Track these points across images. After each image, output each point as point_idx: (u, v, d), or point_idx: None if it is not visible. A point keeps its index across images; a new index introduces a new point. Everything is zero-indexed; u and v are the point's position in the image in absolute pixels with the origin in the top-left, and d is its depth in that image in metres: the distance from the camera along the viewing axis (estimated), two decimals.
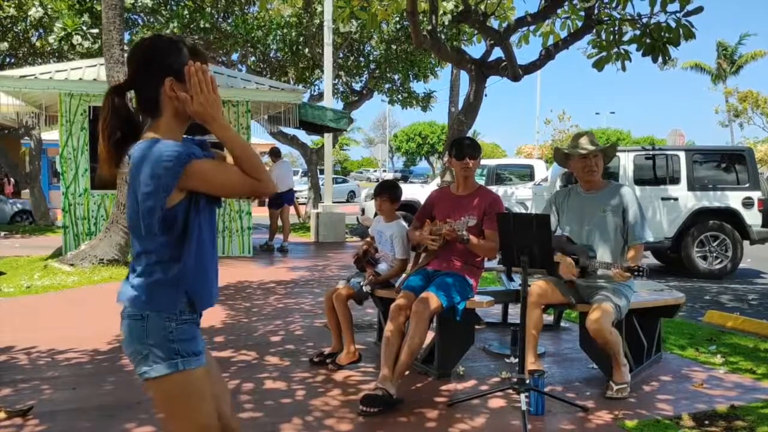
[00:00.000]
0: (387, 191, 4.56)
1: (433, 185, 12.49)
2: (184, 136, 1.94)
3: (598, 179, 4.12)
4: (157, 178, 1.74)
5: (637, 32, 7.60)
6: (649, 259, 10.44)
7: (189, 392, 1.84)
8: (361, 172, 58.61)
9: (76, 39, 13.24)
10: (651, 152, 9.80)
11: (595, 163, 4.07)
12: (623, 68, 7.81)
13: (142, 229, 1.81)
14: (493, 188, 9.27)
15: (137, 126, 1.89)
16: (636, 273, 3.67)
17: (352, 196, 31.01)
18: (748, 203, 9.34)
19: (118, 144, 1.85)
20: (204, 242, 1.87)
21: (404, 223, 4.54)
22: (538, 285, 4.05)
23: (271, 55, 17.02)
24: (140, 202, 1.78)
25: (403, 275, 4.37)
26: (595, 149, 4.05)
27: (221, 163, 1.90)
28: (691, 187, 9.45)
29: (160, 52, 1.87)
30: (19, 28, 14.34)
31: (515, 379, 3.50)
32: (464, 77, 12.88)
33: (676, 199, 9.42)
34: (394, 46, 16.25)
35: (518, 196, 12.69)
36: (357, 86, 18.34)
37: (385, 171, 51.74)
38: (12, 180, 19.68)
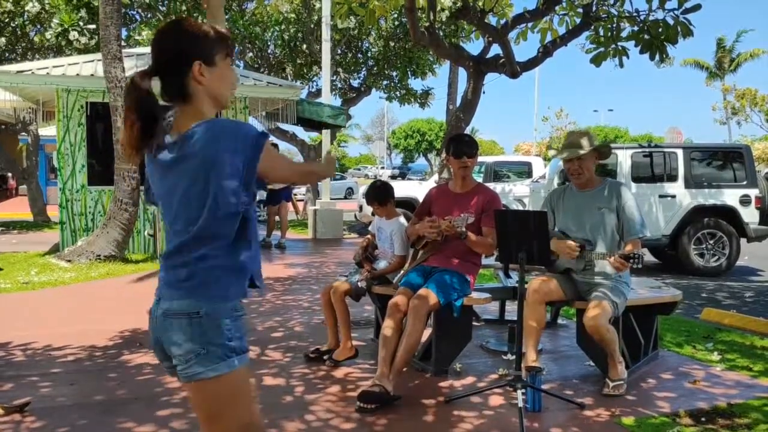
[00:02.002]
0: (374, 199, 4.56)
1: (431, 182, 12.49)
2: None
3: (588, 180, 4.10)
4: (242, 152, 1.74)
5: (635, 29, 7.60)
6: (647, 257, 10.42)
7: (241, 390, 1.81)
8: (359, 169, 58.58)
9: (73, 35, 13.21)
10: (649, 149, 9.81)
11: (579, 166, 4.04)
12: (621, 65, 7.82)
13: (210, 213, 1.74)
14: (491, 185, 9.26)
15: (159, 112, 1.82)
16: (631, 260, 3.68)
17: (350, 192, 31.00)
18: (745, 201, 9.36)
19: (143, 130, 1.77)
20: (253, 221, 1.86)
21: (404, 220, 4.54)
22: (540, 281, 4.05)
23: (269, 51, 17.01)
24: (222, 181, 1.72)
25: (401, 272, 4.37)
26: (571, 154, 4.01)
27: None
28: (689, 184, 9.46)
29: (187, 35, 1.83)
30: (16, 23, 14.29)
31: (512, 377, 3.51)
32: (462, 74, 12.86)
33: (673, 197, 9.44)
34: (392, 43, 16.24)
35: (516, 193, 12.70)
36: (355, 83, 18.33)
37: (383, 168, 51.75)
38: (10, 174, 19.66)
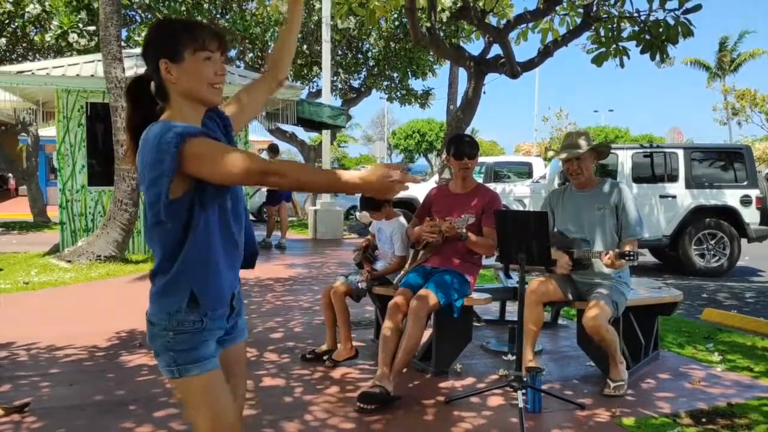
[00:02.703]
0: (367, 206, 4.56)
1: (432, 183, 12.48)
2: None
3: (587, 180, 4.10)
4: (159, 162, 1.66)
5: (636, 29, 7.60)
6: (647, 257, 10.45)
7: (194, 398, 1.84)
8: (359, 170, 58.48)
9: (72, 37, 13.20)
10: (649, 150, 9.81)
11: (578, 166, 4.04)
12: (621, 65, 7.82)
13: (149, 219, 1.75)
14: (492, 185, 9.26)
15: (156, 115, 1.84)
16: (627, 258, 3.67)
17: None
18: (746, 201, 9.35)
19: (138, 133, 1.78)
20: (212, 236, 1.78)
21: (404, 221, 4.53)
22: (539, 282, 4.05)
23: (269, 51, 16.99)
24: (146, 189, 1.71)
25: (401, 272, 4.37)
26: (570, 154, 4.02)
27: (223, 145, 1.77)
28: (689, 184, 9.45)
29: (154, 34, 1.83)
30: (16, 24, 14.29)
31: (513, 377, 3.50)
32: (463, 74, 12.86)
33: (674, 197, 9.43)
34: (392, 44, 16.24)
35: (516, 194, 12.67)
36: (355, 83, 18.33)
37: None
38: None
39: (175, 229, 1.74)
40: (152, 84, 1.84)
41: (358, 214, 14.38)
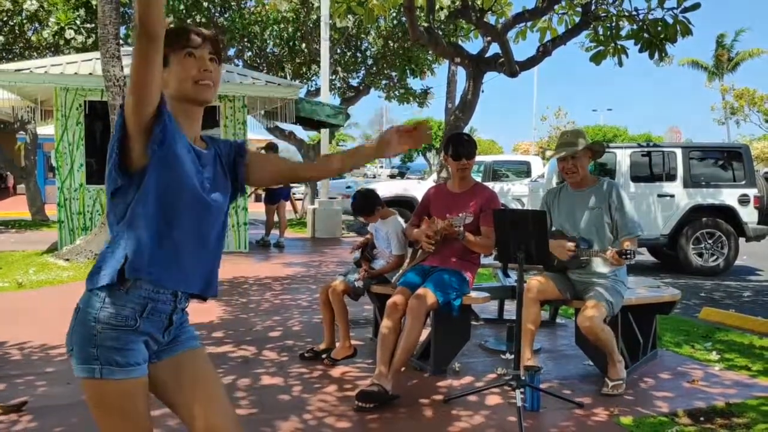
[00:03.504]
0: (358, 213, 4.59)
1: (430, 182, 12.47)
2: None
3: (582, 178, 4.10)
4: (115, 133, 1.70)
5: (635, 28, 7.60)
6: (645, 256, 10.46)
7: (114, 400, 1.69)
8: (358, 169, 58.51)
9: (69, 33, 13.17)
10: (647, 149, 9.82)
11: (573, 165, 4.04)
12: (620, 63, 7.83)
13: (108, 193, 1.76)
14: (490, 184, 9.26)
15: None
16: (624, 256, 3.67)
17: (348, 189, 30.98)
18: (743, 200, 9.35)
19: None
20: (166, 207, 1.73)
21: (400, 219, 4.53)
22: (536, 280, 4.05)
23: (268, 50, 16.97)
24: (107, 162, 1.72)
25: (400, 271, 4.36)
26: (566, 153, 4.02)
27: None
28: (687, 184, 9.45)
29: None
30: (14, 21, 14.26)
31: (511, 376, 3.50)
32: (461, 73, 12.86)
33: (672, 196, 9.43)
34: (391, 42, 16.21)
35: (515, 193, 12.69)
36: (354, 82, 18.30)
37: (381, 167, 51.71)
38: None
39: (126, 195, 1.72)
40: None
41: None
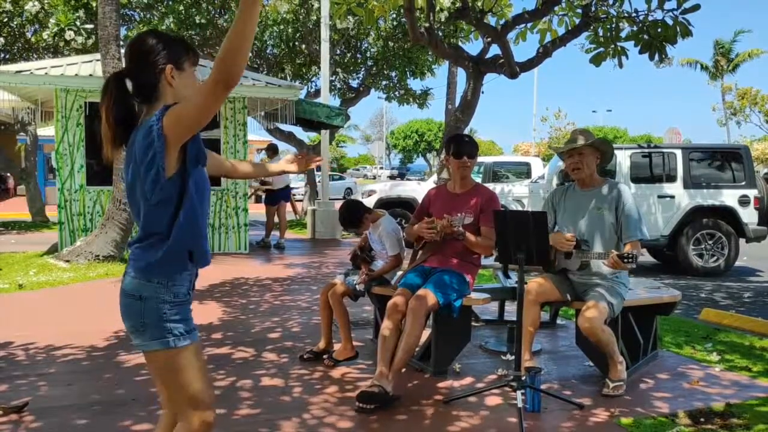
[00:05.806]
0: (348, 226, 4.64)
1: (430, 183, 12.47)
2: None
3: (588, 176, 4.09)
4: (149, 145, 1.90)
5: (635, 29, 7.61)
6: (645, 257, 10.46)
7: (190, 362, 2.01)
8: (358, 169, 58.57)
9: (69, 34, 13.17)
10: (647, 150, 9.82)
11: (580, 161, 4.04)
12: (620, 65, 7.83)
13: (142, 204, 1.97)
14: (490, 185, 9.26)
15: (136, 111, 2.08)
16: (626, 260, 3.67)
17: (348, 193, 30.98)
18: (744, 201, 9.36)
19: (118, 125, 2.04)
20: (196, 204, 2.00)
21: (389, 218, 4.51)
22: (536, 282, 4.05)
23: (268, 51, 16.98)
24: (144, 173, 1.92)
25: (400, 272, 4.36)
26: (576, 145, 4.02)
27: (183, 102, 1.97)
28: (688, 185, 9.46)
29: (166, 42, 2.06)
30: (15, 23, 14.26)
31: (512, 377, 3.50)
32: (461, 74, 12.87)
33: (672, 197, 9.44)
34: (391, 43, 16.22)
35: (515, 194, 12.68)
36: (354, 83, 18.30)
37: (381, 168, 51.75)
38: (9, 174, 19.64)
39: (170, 202, 1.96)
40: (134, 83, 2.05)
41: None
